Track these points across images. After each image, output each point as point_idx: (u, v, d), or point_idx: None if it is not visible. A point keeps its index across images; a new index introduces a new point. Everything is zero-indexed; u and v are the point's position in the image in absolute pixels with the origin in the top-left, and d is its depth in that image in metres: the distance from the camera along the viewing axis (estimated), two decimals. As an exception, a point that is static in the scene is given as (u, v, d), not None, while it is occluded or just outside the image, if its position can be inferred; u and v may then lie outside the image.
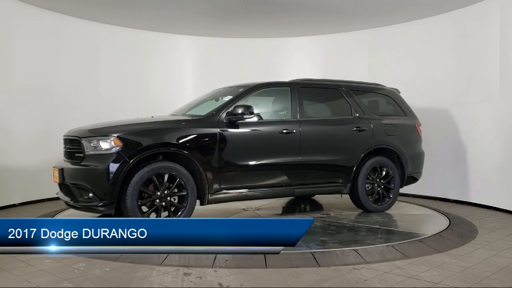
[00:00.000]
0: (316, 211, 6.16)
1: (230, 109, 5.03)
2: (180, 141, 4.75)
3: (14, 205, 6.66)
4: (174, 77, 8.76)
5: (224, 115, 5.01)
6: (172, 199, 4.70)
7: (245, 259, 3.81)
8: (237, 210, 6.00)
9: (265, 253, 3.51)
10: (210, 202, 4.91)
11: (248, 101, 5.32)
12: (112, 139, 4.55)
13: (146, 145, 4.60)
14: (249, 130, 5.17)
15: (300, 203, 6.75)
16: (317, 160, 5.48)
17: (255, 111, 5.15)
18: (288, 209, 6.26)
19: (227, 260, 3.77)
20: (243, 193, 5.12)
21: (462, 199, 6.93)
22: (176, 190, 4.70)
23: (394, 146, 5.95)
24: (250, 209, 6.09)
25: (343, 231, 4.81)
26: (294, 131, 5.31)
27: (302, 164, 5.38)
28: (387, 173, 5.91)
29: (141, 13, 7.40)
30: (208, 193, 4.86)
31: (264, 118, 5.52)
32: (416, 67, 7.51)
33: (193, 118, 5.12)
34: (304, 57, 8.85)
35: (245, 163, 5.10)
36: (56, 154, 6.90)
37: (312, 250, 3.95)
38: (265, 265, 3.71)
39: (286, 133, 5.28)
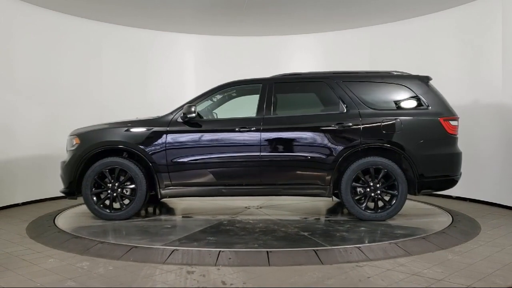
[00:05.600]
0: (315, 214, 6.15)
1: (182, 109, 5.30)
2: (127, 139, 5.28)
3: (17, 205, 6.69)
4: (175, 75, 8.77)
5: (178, 114, 5.33)
6: (125, 191, 5.33)
7: (248, 257, 3.82)
8: (240, 209, 6.02)
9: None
10: (163, 196, 5.33)
11: (216, 99, 5.59)
12: (74, 137, 5.44)
13: (95, 143, 5.31)
14: (201, 128, 5.29)
15: (317, 203, 6.65)
16: (282, 160, 5.20)
17: (224, 109, 5.46)
18: (292, 209, 6.26)
19: (230, 258, 3.78)
20: (197, 190, 5.32)
21: (464, 196, 6.93)
22: (129, 183, 5.30)
23: (394, 145, 5.12)
24: (252, 207, 6.10)
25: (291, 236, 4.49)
26: (254, 128, 5.19)
27: (263, 163, 5.17)
28: (386, 176, 5.16)
29: (142, 11, 7.39)
30: (160, 188, 5.27)
31: (228, 117, 5.55)
32: (418, 64, 7.49)
33: (149, 118, 5.50)
34: (306, 54, 8.85)
35: (195, 160, 5.24)
36: (58, 153, 6.95)
37: (315, 248, 3.96)
38: (268, 263, 3.71)
39: (245, 131, 5.20)
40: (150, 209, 6.11)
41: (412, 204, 6.30)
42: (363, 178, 5.17)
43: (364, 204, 5.17)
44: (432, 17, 7.39)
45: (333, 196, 5.34)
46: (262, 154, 5.17)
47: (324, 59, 8.63)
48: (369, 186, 5.17)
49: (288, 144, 5.22)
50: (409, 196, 5.35)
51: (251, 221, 5.21)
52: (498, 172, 6.34)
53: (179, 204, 6.56)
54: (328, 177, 5.16)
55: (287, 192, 5.31)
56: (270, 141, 5.20)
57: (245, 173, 5.24)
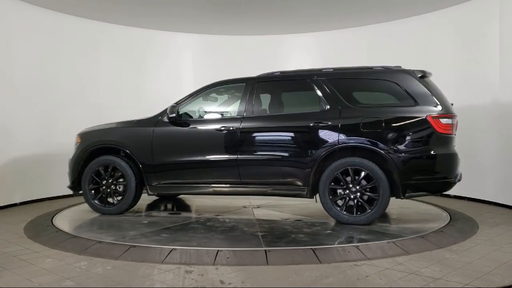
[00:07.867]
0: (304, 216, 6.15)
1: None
2: (119, 139, 5.56)
3: (15, 205, 6.67)
4: (173, 75, 8.76)
5: (165, 115, 5.45)
6: (118, 188, 5.61)
7: (247, 256, 3.82)
8: (234, 207, 6.02)
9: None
10: (151, 193, 5.59)
11: (200, 99, 5.66)
12: (77, 137, 5.84)
13: (91, 142, 5.68)
14: (184, 128, 5.39)
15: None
16: (259, 159, 5.12)
17: (208, 109, 5.63)
18: (288, 210, 6.26)
19: (228, 258, 3.79)
20: (182, 188, 5.47)
21: (462, 194, 6.94)
22: (121, 179, 5.55)
23: (374, 145, 4.77)
24: (250, 207, 6.10)
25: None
26: (232, 128, 5.17)
27: (241, 163, 5.12)
28: (367, 178, 4.81)
29: (139, 10, 7.37)
30: (148, 185, 5.50)
31: (211, 117, 5.57)
32: (416, 63, 7.48)
33: (141, 119, 5.67)
34: (304, 53, 8.85)
35: (178, 159, 5.36)
36: (56, 153, 6.94)
37: (313, 247, 3.96)
38: (266, 262, 3.72)
39: (224, 130, 5.20)
40: (169, 205, 6.39)
41: (409, 203, 6.31)
42: (341, 179, 4.87)
43: (344, 207, 4.87)
44: (429, 16, 7.40)
45: (315, 197, 5.11)
46: (240, 153, 5.15)
47: (321, 58, 8.62)
48: (348, 188, 4.87)
49: (266, 143, 5.16)
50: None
51: (227, 220, 5.23)
52: (497, 171, 6.35)
53: (193, 201, 6.65)
54: (307, 178, 4.96)
55: (267, 192, 5.16)
56: (248, 140, 5.18)
57: (225, 173, 5.22)
